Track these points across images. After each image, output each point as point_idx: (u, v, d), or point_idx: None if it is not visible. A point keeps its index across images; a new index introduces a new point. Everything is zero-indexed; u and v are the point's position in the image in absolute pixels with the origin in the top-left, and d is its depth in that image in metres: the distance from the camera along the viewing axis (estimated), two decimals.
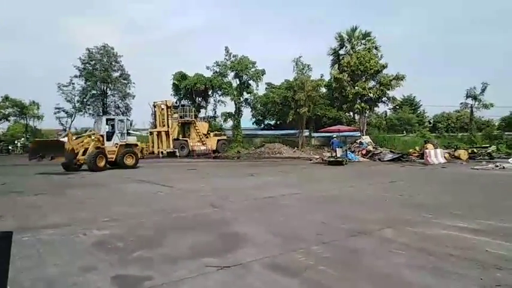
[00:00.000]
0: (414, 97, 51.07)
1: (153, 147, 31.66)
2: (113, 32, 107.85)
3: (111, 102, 43.22)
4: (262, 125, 46.22)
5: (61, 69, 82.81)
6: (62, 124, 42.60)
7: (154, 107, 32.58)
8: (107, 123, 18.55)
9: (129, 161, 18.37)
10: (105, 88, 42.07)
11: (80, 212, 7.19)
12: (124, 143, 18.54)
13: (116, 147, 18.07)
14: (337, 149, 21.11)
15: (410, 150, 25.09)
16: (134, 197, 9.37)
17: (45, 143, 18.61)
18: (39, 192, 10.01)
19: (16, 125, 45.95)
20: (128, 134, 19.93)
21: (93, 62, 41.26)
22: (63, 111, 42.01)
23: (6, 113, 44.80)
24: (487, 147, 26.12)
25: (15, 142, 39.06)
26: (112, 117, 21.31)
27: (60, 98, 41.18)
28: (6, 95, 44.14)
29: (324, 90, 36.23)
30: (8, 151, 36.90)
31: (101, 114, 41.68)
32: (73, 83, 41.42)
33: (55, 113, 42.19)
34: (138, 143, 22.37)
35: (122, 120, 19.41)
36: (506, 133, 34.51)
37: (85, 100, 41.50)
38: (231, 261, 4.17)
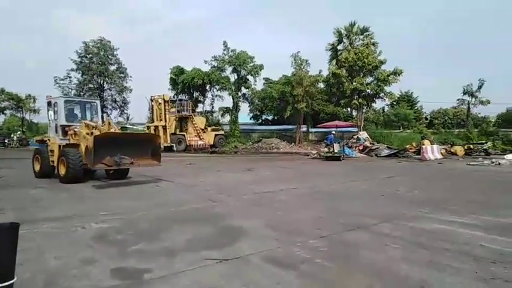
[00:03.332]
0: (412, 93, 51.26)
1: None
2: (109, 24, 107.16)
3: (108, 96, 43.05)
4: (260, 120, 46.17)
5: (56, 61, 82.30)
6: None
7: (152, 101, 32.41)
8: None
9: None
10: (102, 82, 41.85)
11: (79, 206, 7.21)
12: None
13: None
14: (334, 144, 21.19)
15: (407, 146, 25.21)
16: (134, 191, 9.37)
17: (122, 138, 10.90)
18: (37, 186, 10.01)
19: (12, 118, 45.82)
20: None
21: (90, 55, 40.98)
22: None
23: (3, 106, 44.74)
24: (483, 143, 26.38)
25: (12, 135, 38.87)
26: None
27: (57, 91, 40.98)
28: (2, 88, 44.10)
29: (321, 85, 36.29)
30: (4, 144, 36.70)
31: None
32: (70, 77, 41.24)
33: None
34: None
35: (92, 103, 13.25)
36: (502, 130, 34.75)
37: (82, 94, 41.25)
38: (230, 254, 4.21)
